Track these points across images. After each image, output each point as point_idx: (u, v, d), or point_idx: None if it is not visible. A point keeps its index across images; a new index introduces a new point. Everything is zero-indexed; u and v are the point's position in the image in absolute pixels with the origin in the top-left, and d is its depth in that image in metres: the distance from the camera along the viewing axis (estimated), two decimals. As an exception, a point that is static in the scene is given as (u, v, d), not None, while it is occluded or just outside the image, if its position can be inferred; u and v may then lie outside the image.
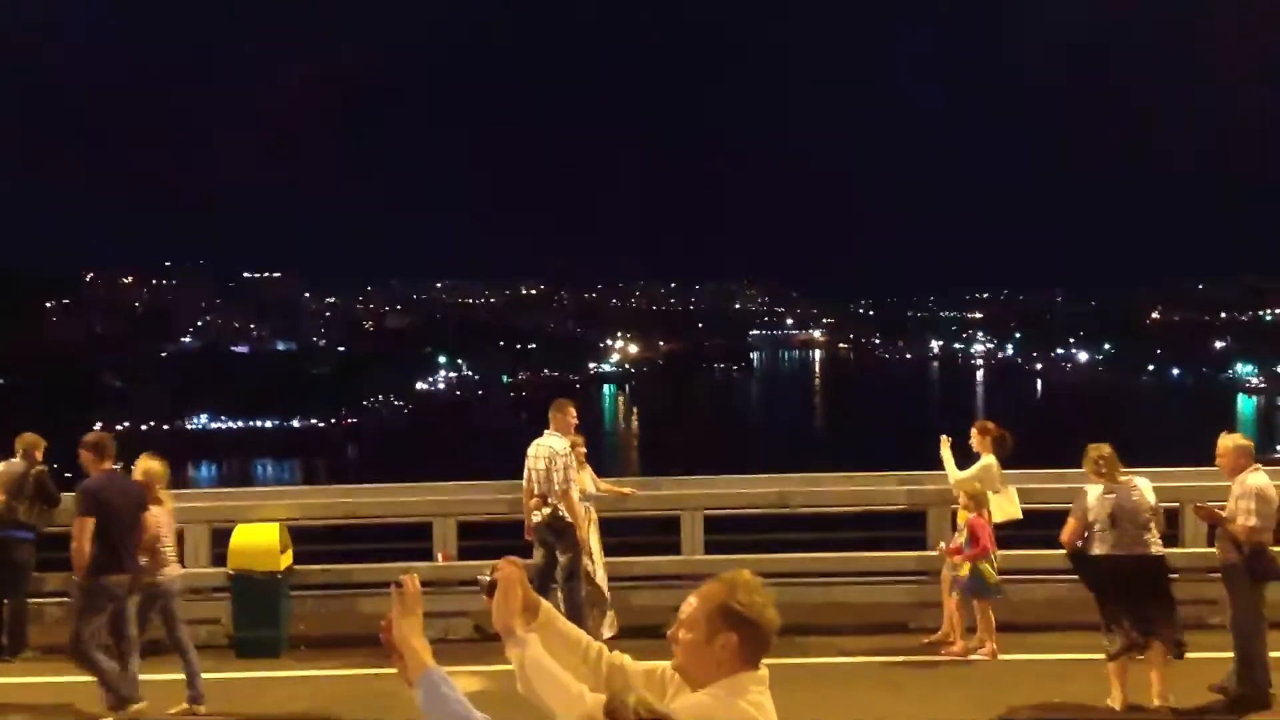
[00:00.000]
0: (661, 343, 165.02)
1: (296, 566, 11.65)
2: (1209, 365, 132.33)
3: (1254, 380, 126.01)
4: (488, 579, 3.57)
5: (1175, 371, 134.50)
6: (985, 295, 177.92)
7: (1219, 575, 9.46)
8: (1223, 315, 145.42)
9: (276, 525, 11.48)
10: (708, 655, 3.37)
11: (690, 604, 3.45)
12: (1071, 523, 9.17)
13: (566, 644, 3.65)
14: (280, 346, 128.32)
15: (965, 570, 10.47)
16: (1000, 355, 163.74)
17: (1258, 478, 9.09)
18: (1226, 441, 9.34)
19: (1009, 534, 11.18)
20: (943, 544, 11.28)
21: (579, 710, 3.35)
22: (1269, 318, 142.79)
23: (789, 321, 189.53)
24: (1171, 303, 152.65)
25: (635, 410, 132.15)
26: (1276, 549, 9.29)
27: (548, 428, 11.08)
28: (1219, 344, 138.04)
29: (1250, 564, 9.05)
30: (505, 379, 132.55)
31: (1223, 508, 9.25)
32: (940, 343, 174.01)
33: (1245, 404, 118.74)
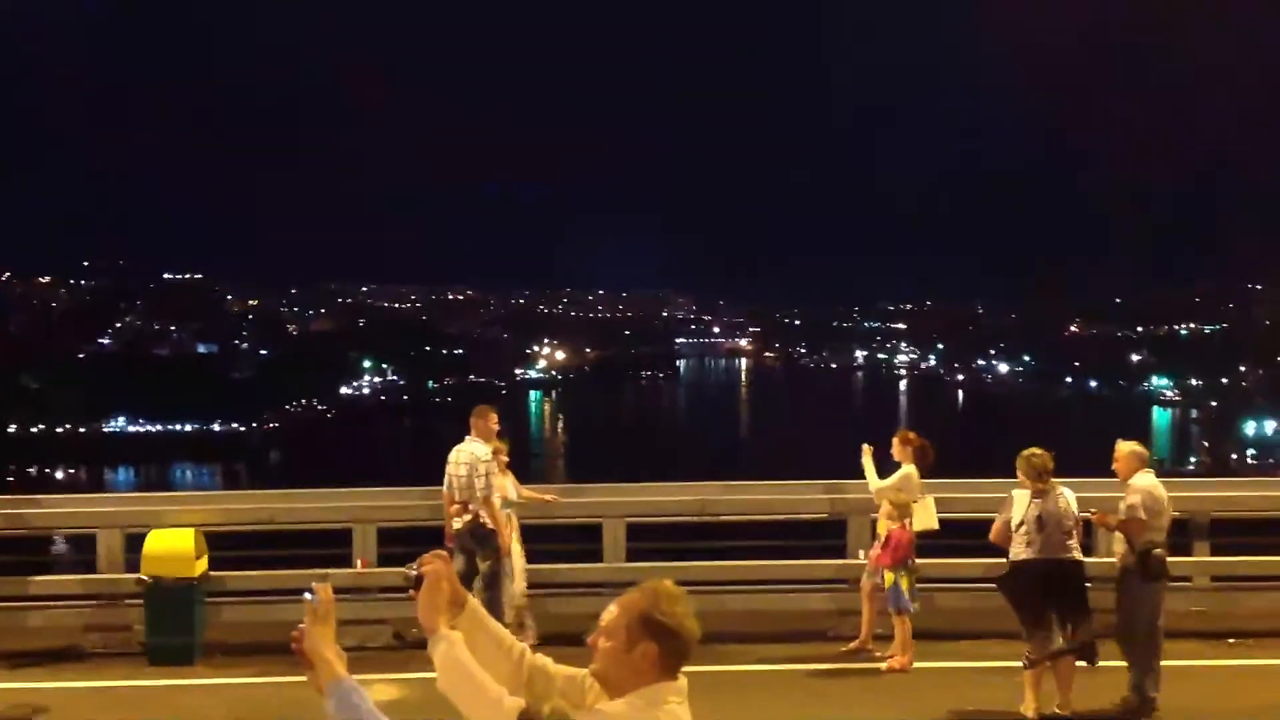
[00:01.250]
0: (589, 350, 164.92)
1: (213, 573, 11.49)
2: (1126, 378, 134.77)
3: (1169, 393, 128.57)
4: (414, 573, 3.55)
5: (1093, 384, 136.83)
6: (909, 306, 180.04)
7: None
8: (1139, 329, 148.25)
9: (192, 531, 11.31)
10: (627, 664, 3.36)
11: (611, 612, 3.44)
12: (998, 522, 9.39)
13: (491, 642, 3.63)
14: (201, 349, 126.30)
15: (890, 580, 10.55)
16: (923, 365, 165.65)
17: (1147, 478, 9.36)
18: (1123, 447, 9.64)
19: (925, 543, 11.28)
20: (861, 552, 11.39)
21: (496, 713, 3.34)
22: (1184, 332, 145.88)
23: (716, 330, 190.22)
24: (1090, 316, 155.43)
25: (562, 417, 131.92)
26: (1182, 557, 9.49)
27: (469, 434, 11.04)
28: (1136, 357, 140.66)
29: (1141, 564, 9.28)
30: (431, 384, 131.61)
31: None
32: (865, 353, 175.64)
33: (1161, 416, 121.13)
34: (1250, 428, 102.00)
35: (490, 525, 10.74)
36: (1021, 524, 9.19)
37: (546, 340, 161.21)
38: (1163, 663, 9.51)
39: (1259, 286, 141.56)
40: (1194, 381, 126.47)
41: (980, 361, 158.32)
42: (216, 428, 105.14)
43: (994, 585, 9.76)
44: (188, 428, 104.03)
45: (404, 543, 12.31)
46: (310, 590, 3.30)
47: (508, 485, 11.38)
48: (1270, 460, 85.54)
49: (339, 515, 12.40)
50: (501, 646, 3.65)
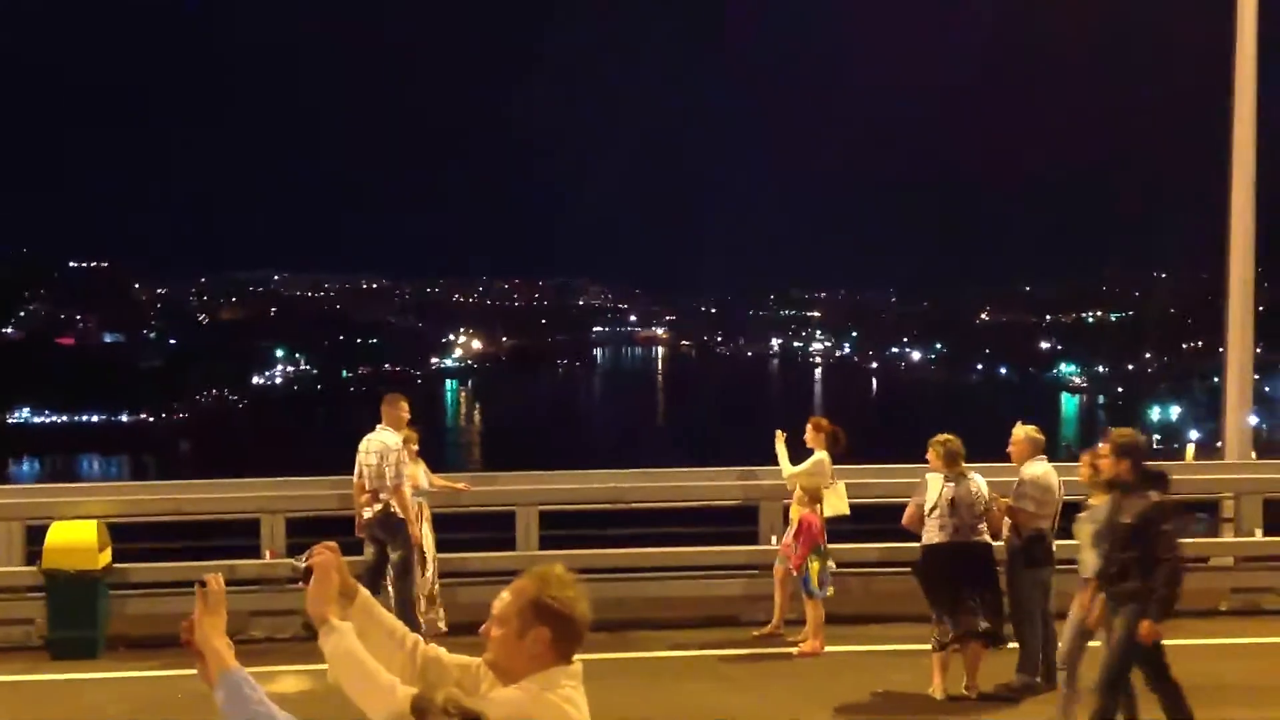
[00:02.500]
0: (505, 338, 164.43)
1: (117, 565, 11.24)
2: (1034, 364, 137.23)
3: (1077, 380, 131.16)
4: (303, 565, 3.51)
5: (1003, 370, 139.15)
6: (823, 295, 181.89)
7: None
8: (1048, 317, 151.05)
9: (94, 522, 11.06)
10: (520, 650, 3.37)
11: (503, 599, 3.44)
12: (912, 506, 9.50)
13: (383, 633, 3.62)
14: (108, 338, 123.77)
15: (815, 568, 10.60)
16: (838, 353, 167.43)
17: (1036, 466, 9.54)
18: (1019, 432, 9.80)
19: (837, 528, 11.38)
20: (774, 538, 11.47)
21: (388, 703, 3.32)
22: (1091, 320, 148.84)
23: (632, 318, 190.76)
24: (999, 304, 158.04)
25: (478, 406, 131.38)
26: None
27: (380, 422, 10.93)
28: (1044, 344, 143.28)
29: (1027, 549, 9.47)
30: (345, 373, 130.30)
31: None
32: (780, 341, 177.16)
33: (1068, 402, 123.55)
34: (1155, 413, 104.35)
35: (401, 514, 10.65)
36: (935, 508, 9.33)
37: (462, 329, 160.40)
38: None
39: (1163, 275, 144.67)
40: (1100, 368, 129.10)
41: (894, 349, 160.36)
42: (124, 418, 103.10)
43: (903, 569, 9.88)
44: (94, 419, 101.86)
45: (314, 533, 12.13)
46: (201, 581, 3.24)
47: (419, 474, 11.29)
48: (1175, 445, 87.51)
49: (246, 505, 12.23)
50: (394, 637, 3.63)
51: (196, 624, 3.19)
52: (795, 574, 10.70)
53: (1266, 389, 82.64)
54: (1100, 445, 8.28)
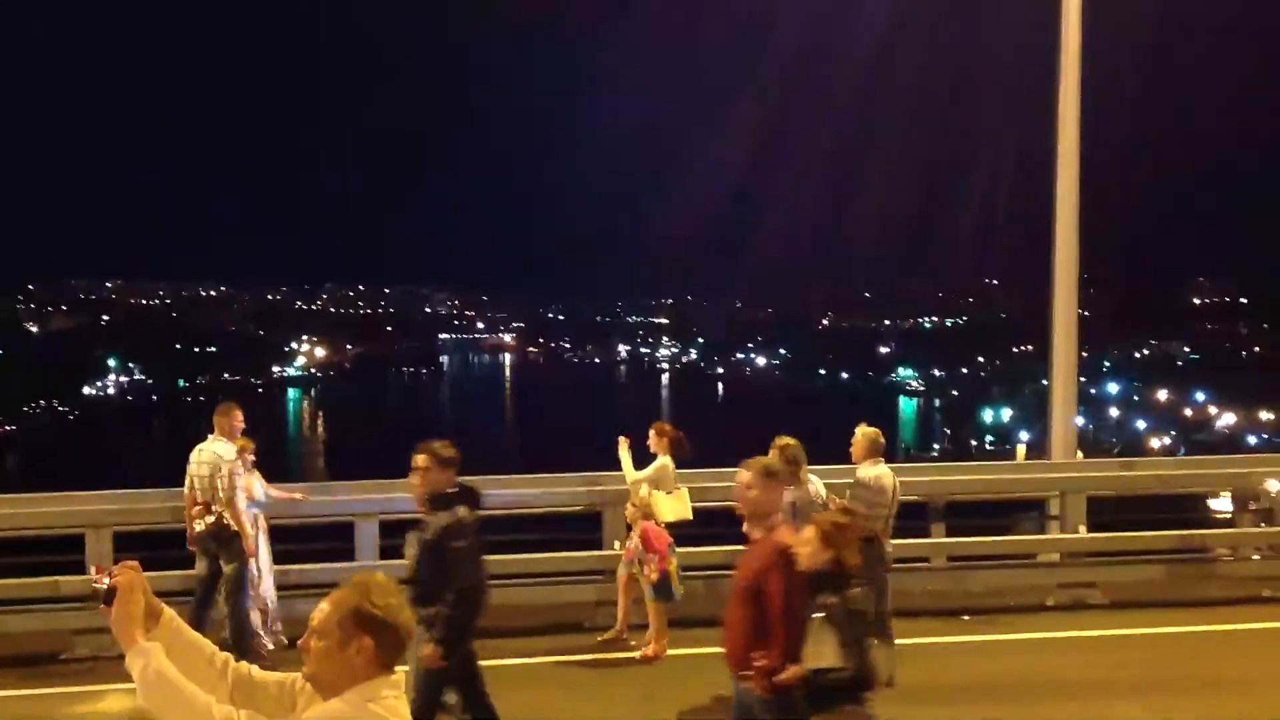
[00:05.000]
0: (349, 346, 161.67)
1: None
2: (874, 369, 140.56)
3: (914, 383, 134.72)
4: (104, 585, 3.34)
5: (844, 375, 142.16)
6: (670, 301, 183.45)
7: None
8: (887, 322, 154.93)
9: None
10: (341, 662, 3.28)
11: (322, 610, 3.35)
12: None
13: (193, 653, 3.50)
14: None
15: (656, 575, 10.62)
16: (685, 359, 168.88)
17: (871, 469, 9.75)
18: (859, 433, 10.04)
19: (681, 533, 11.44)
20: (617, 543, 11.47)
21: None
22: (928, 325, 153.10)
23: (480, 325, 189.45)
24: (841, 310, 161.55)
25: (321, 415, 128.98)
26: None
27: (212, 432, 10.62)
28: (884, 349, 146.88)
29: (861, 551, 9.65)
30: (181, 383, 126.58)
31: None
32: (628, 347, 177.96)
33: (907, 405, 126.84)
34: (988, 415, 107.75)
35: (234, 527, 10.36)
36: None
37: (305, 337, 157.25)
38: (900, 641, 9.91)
39: (995, 281, 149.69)
40: (937, 372, 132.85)
41: (739, 355, 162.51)
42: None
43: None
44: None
45: (145, 547, 11.76)
46: (96, 582, 3.28)
47: (254, 485, 10.98)
48: (1007, 445, 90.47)
49: (72, 520, 11.74)
50: (203, 656, 3.52)
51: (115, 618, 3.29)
52: (652, 582, 10.67)
53: (1091, 391, 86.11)
54: (419, 455, 7.49)
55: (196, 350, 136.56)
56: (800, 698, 6.02)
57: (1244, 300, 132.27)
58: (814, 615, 6.17)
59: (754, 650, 6.08)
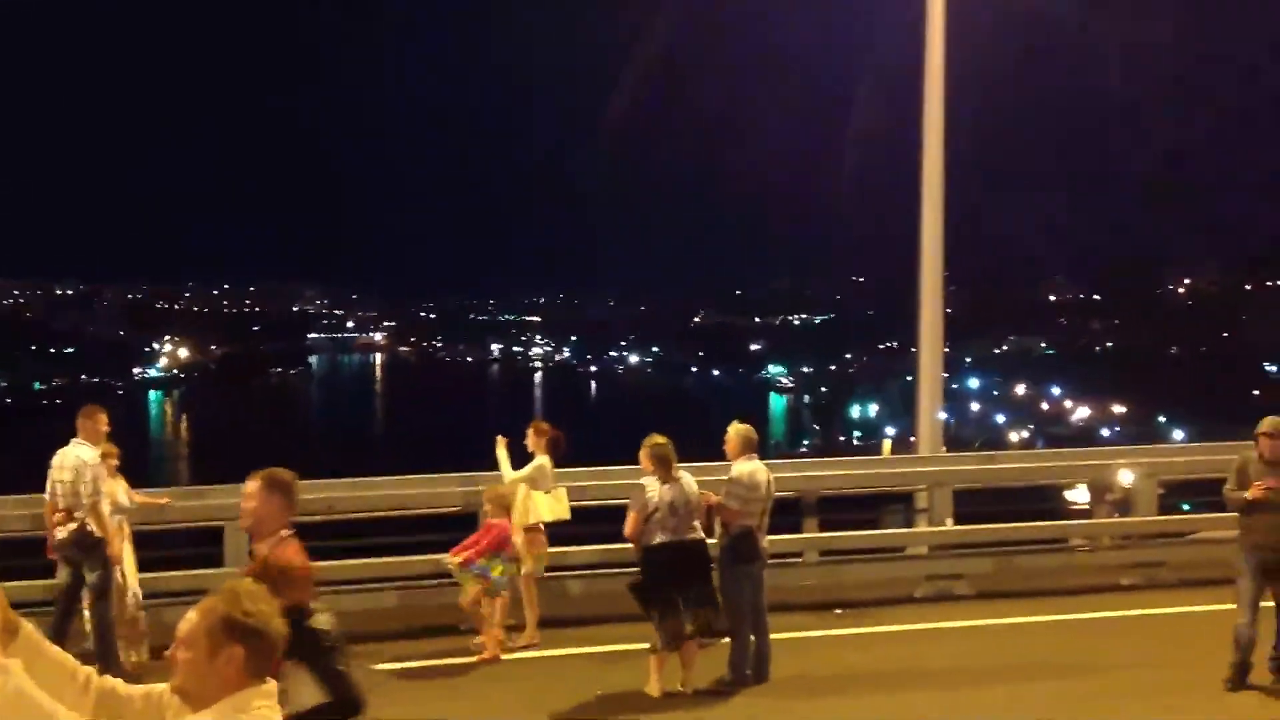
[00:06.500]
0: (214, 346, 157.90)
1: None
2: (746, 366, 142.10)
3: (785, 380, 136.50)
4: None
5: (716, 372, 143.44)
6: (543, 299, 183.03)
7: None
8: (757, 320, 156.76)
9: None
10: (210, 673, 3.19)
11: (189, 620, 3.25)
12: (633, 515, 9.56)
13: (53, 669, 3.37)
14: None
15: (497, 570, 10.55)
16: (558, 358, 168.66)
17: (744, 465, 9.88)
18: (731, 430, 10.13)
19: (558, 532, 11.45)
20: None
21: None
22: (797, 322, 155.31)
23: (350, 324, 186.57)
24: (712, 307, 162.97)
25: (185, 417, 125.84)
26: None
27: (75, 436, 10.29)
28: (755, 346, 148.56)
29: (734, 546, 9.82)
30: (37, 385, 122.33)
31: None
32: (500, 346, 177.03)
33: (777, 401, 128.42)
34: (855, 410, 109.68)
35: (98, 534, 10.05)
36: (656, 510, 9.47)
37: (168, 337, 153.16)
38: (776, 635, 10.07)
39: (862, 279, 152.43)
40: (806, 369, 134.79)
41: (612, 353, 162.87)
42: None
43: (616, 569, 10.04)
44: None
45: (1, 556, 11.41)
46: None
47: (118, 490, 10.67)
48: (873, 440, 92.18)
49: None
50: (65, 671, 3.40)
51: None
52: (457, 564, 10.58)
53: (954, 386, 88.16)
54: None
55: (53, 351, 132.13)
56: None
57: (1097, 298, 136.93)
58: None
59: None
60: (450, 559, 10.72)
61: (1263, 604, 9.38)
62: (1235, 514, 9.55)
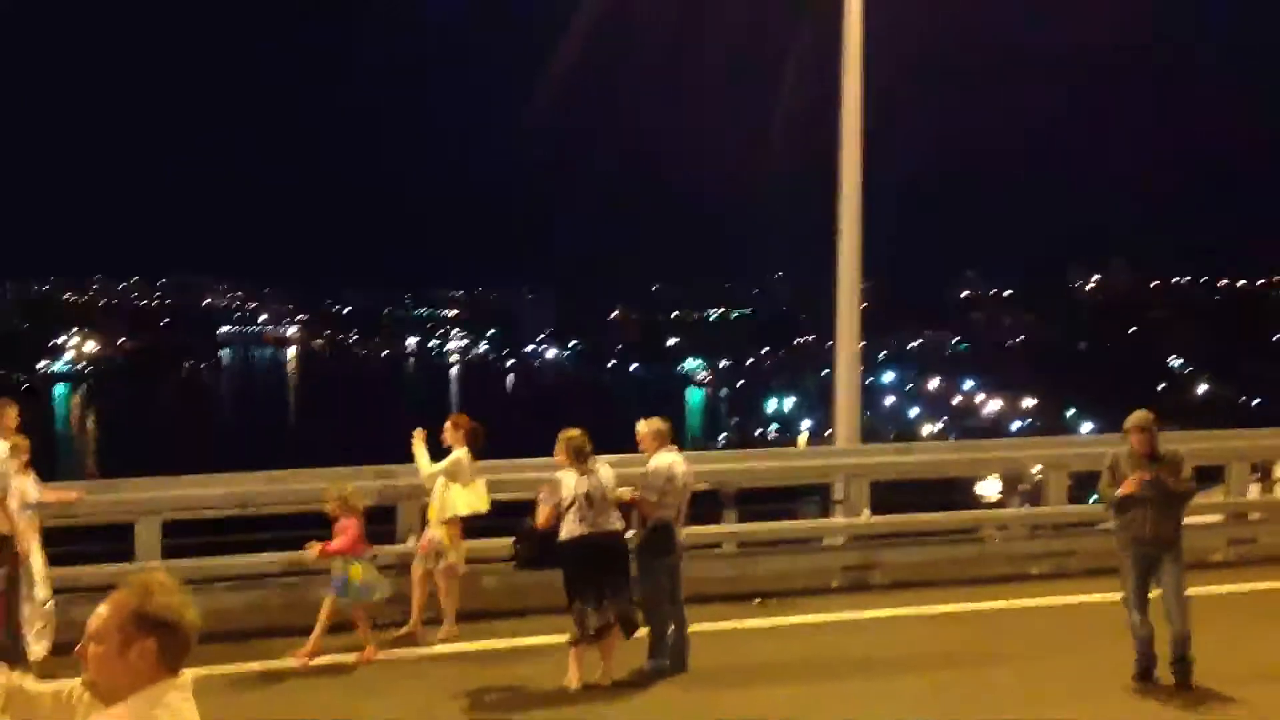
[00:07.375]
0: (122, 340, 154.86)
1: None
2: (663, 360, 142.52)
3: (702, 374, 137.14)
4: None
5: (634, 366, 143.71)
6: (459, 293, 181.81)
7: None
8: (674, 314, 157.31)
9: None
10: (122, 667, 3.13)
11: (100, 614, 3.18)
12: (546, 508, 9.56)
13: None
14: None
15: (356, 574, 10.35)
16: (475, 352, 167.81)
17: (661, 458, 9.93)
18: (642, 427, 10.20)
19: (475, 524, 11.39)
20: (412, 538, 11.44)
21: None
22: (713, 317, 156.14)
23: (262, 318, 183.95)
24: (630, 302, 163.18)
25: (93, 411, 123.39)
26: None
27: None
28: (672, 341, 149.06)
29: (652, 539, 9.86)
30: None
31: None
32: (416, 340, 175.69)
33: (694, 395, 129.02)
34: (772, 404, 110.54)
35: (6, 530, 9.82)
36: (573, 503, 9.47)
37: (74, 330, 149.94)
38: (694, 626, 10.13)
39: (780, 274, 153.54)
40: (723, 363, 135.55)
41: (530, 347, 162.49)
42: None
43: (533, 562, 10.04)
44: None
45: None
46: None
47: (28, 485, 10.44)
48: (789, 434, 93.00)
49: None
50: None
51: None
52: (336, 578, 10.40)
53: (869, 380, 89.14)
54: None
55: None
56: None
57: (1008, 293, 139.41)
58: None
59: None
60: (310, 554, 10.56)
61: (1151, 595, 9.56)
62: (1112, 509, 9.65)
